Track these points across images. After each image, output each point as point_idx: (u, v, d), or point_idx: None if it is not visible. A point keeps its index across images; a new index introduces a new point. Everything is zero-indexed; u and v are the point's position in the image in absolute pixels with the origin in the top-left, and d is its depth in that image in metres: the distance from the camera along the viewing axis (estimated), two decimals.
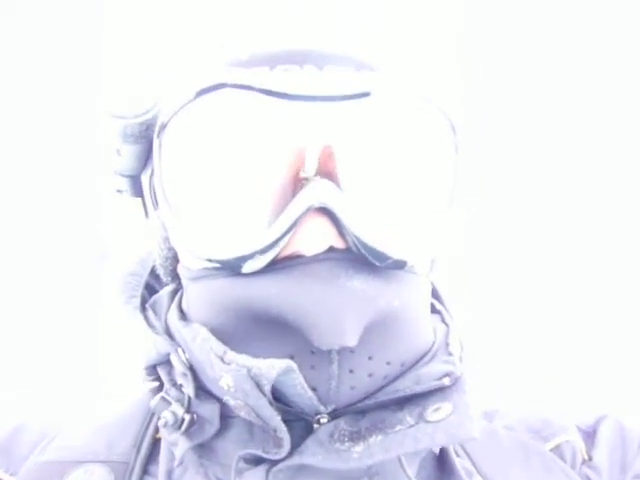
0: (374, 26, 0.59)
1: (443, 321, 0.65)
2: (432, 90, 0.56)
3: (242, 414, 0.53)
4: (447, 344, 0.60)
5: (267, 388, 0.50)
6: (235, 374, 0.50)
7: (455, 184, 0.58)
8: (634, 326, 1.61)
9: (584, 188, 1.64)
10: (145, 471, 0.59)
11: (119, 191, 0.64)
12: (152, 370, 0.64)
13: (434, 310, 0.67)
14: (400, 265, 0.55)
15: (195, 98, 0.53)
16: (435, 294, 0.70)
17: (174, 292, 0.67)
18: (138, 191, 0.65)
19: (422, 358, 0.58)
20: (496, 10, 1.49)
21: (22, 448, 0.62)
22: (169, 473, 0.58)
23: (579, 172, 1.62)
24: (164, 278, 0.68)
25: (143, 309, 0.66)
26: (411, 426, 0.52)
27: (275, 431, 0.52)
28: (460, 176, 0.58)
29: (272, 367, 0.49)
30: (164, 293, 0.68)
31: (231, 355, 0.52)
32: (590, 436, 0.68)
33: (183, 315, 0.61)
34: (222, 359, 0.52)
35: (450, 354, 0.58)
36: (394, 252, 0.54)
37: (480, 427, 0.63)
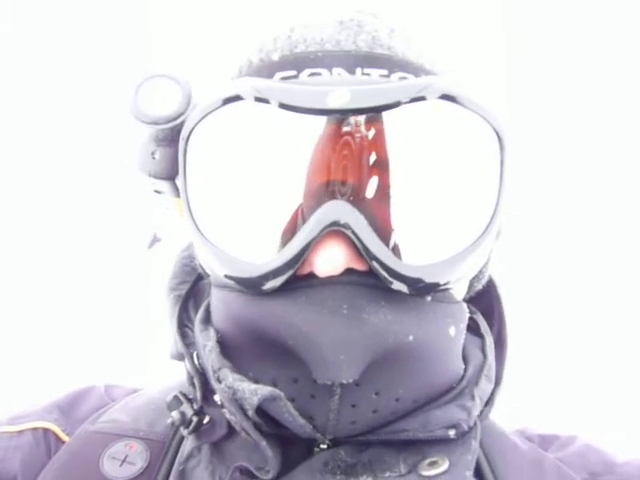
0: (408, 23, 0.54)
1: (482, 349, 0.60)
2: (474, 97, 0.50)
3: (237, 428, 0.53)
4: (477, 383, 0.55)
5: (250, 413, 0.49)
6: (222, 394, 0.51)
7: (500, 199, 0.52)
8: None
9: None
10: (177, 452, 0.61)
11: (157, 192, 0.64)
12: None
13: (477, 333, 0.61)
14: (428, 289, 0.51)
15: (215, 109, 0.51)
16: (489, 311, 0.64)
17: None
18: (177, 192, 0.64)
19: (446, 394, 0.54)
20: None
21: (81, 413, 0.67)
22: (187, 460, 0.59)
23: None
24: (204, 275, 0.68)
25: (187, 298, 0.67)
26: (401, 475, 0.50)
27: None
28: (506, 191, 0.52)
29: (255, 394, 0.49)
30: (207, 282, 0.68)
31: (223, 373, 0.52)
32: None
33: (208, 315, 0.60)
34: (215, 375, 0.52)
35: (472, 398, 0.54)
36: (418, 273, 0.49)
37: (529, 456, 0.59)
